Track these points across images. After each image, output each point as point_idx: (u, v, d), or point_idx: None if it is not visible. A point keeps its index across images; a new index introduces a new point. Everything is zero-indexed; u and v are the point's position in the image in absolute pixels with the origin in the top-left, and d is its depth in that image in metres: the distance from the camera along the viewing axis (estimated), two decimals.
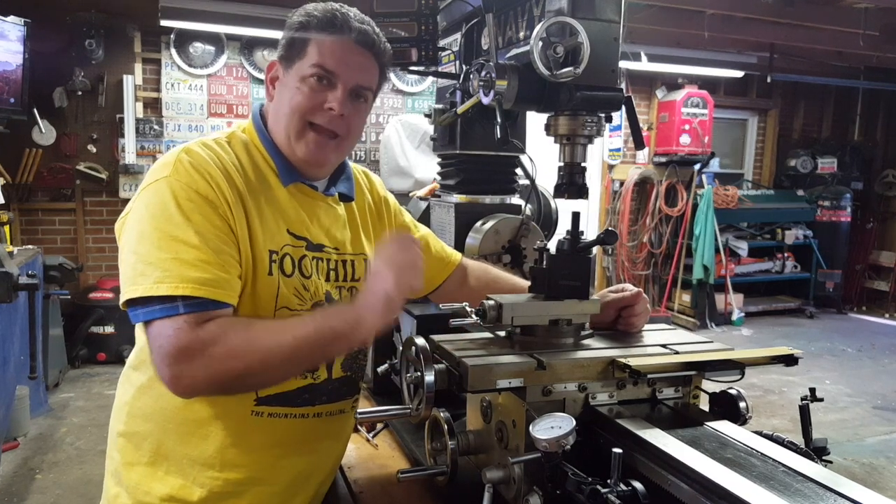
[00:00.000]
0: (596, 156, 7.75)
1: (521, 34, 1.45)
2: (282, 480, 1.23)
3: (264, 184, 1.21)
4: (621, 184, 7.81)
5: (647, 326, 1.40)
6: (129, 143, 5.93)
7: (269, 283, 1.17)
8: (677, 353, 1.22)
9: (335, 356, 1.23)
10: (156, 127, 6.07)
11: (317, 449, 1.28)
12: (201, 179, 1.11)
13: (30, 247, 4.65)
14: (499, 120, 1.30)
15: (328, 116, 1.20)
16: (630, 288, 1.40)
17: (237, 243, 1.13)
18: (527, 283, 1.47)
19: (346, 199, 1.36)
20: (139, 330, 1.24)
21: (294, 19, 1.22)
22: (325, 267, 1.28)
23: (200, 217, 1.08)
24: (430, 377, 1.12)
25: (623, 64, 3.82)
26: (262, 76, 6.14)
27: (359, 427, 1.59)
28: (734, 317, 7.67)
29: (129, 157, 5.92)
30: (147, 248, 1.06)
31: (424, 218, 1.94)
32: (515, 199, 1.87)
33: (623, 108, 1.30)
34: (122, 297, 1.07)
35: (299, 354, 1.08)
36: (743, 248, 7.88)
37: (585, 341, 1.27)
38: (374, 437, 1.59)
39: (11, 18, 5.02)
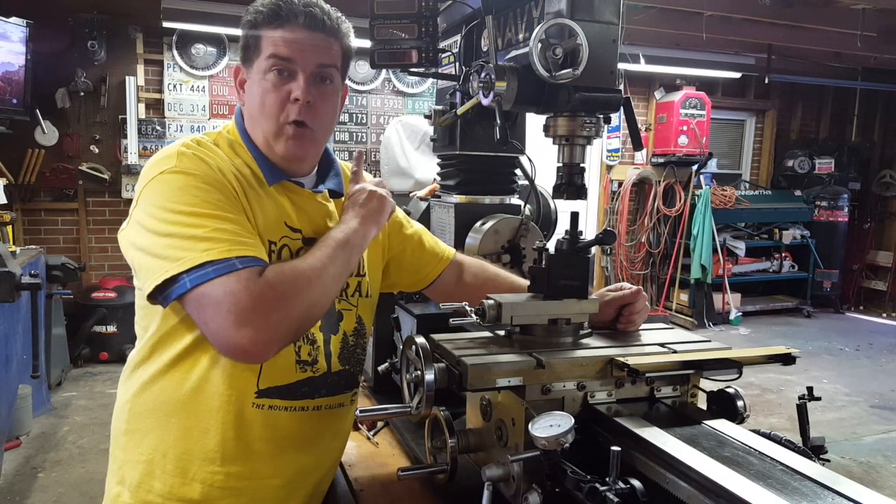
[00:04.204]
0: (594, 156, 7.77)
1: (521, 36, 1.45)
2: (282, 476, 1.24)
3: (253, 182, 1.22)
4: (620, 184, 7.82)
5: (645, 326, 1.40)
6: (132, 143, 5.94)
7: None
8: (675, 352, 1.23)
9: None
10: (158, 128, 6.08)
11: (317, 444, 1.29)
12: (208, 168, 1.13)
13: (32, 247, 4.66)
14: (498, 121, 1.31)
15: (297, 108, 1.20)
16: (628, 286, 1.40)
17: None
18: (524, 281, 1.48)
19: (335, 195, 1.37)
20: (139, 328, 1.25)
21: (245, 19, 1.23)
22: None
23: (221, 195, 1.11)
24: (430, 376, 1.12)
25: (621, 65, 3.83)
26: None
27: (359, 425, 1.60)
28: (732, 316, 7.68)
29: (132, 157, 5.93)
30: (180, 229, 1.05)
31: (424, 218, 1.94)
32: (515, 200, 1.88)
33: (622, 109, 1.31)
34: (164, 276, 1.03)
35: (337, 264, 1.16)
36: (740, 247, 7.88)
37: (584, 340, 1.28)
38: (374, 435, 1.60)
39: (14, 19, 5.02)
